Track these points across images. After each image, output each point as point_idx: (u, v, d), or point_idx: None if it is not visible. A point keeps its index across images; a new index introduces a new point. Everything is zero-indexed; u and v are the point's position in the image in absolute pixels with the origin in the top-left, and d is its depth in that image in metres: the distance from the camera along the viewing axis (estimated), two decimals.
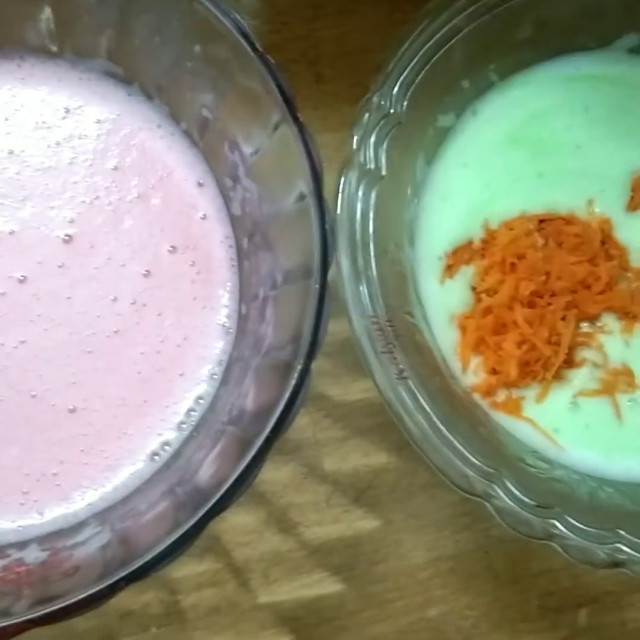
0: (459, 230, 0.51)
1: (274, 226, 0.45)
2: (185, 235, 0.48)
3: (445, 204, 0.51)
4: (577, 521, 0.43)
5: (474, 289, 0.51)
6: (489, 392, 0.49)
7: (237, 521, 0.52)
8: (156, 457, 0.46)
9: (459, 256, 0.51)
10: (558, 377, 0.50)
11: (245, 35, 0.40)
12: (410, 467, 0.53)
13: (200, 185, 0.49)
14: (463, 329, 0.50)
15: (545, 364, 0.50)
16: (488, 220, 0.52)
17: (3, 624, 0.35)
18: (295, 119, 0.40)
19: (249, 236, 0.47)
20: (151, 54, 0.46)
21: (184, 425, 0.46)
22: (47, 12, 0.46)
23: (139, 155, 0.48)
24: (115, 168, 0.48)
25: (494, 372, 0.50)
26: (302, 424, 0.53)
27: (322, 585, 0.52)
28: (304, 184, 0.39)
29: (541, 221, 0.51)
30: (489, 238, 0.51)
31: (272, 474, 0.53)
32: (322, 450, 0.53)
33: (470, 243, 0.51)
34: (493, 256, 0.51)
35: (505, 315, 0.50)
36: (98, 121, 0.48)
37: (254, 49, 0.40)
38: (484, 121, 0.52)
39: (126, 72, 0.48)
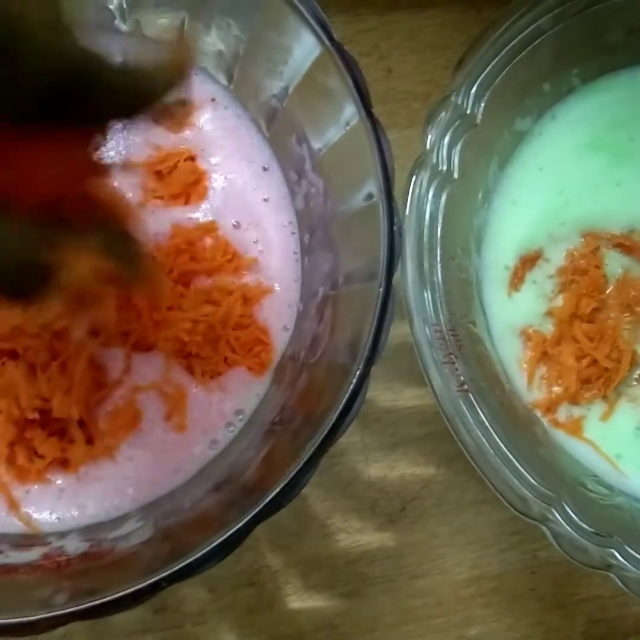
0: (528, 238, 0.50)
1: (338, 224, 0.43)
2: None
3: (516, 208, 0.50)
4: (637, 552, 0.41)
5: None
6: (550, 408, 0.48)
7: (279, 522, 0.51)
8: (202, 454, 0.44)
9: (526, 268, 0.49)
10: (625, 395, 0.48)
11: (322, 24, 0.39)
12: (459, 481, 0.52)
13: (265, 170, 0.47)
14: (528, 340, 0.48)
15: (607, 381, 0.48)
16: (558, 229, 0.50)
17: (42, 616, 0.34)
18: (370, 115, 0.38)
19: (311, 232, 0.46)
20: (224, 39, 0.45)
21: (232, 423, 0.45)
22: None
23: (202, 133, 0.47)
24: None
25: (556, 385, 0.48)
26: (351, 427, 0.52)
27: (361, 595, 0.51)
28: (373, 183, 0.38)
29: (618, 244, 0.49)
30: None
31: (317, 476, 0.51)
32: (369, 455, 0.52)
33: (537, 254, 0.49)
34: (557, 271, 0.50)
35: (566, 331, 0.48)
36: None
37: (331, 39, 0.39)
38: (563, 126, 0.50)
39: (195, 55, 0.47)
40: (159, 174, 0.46)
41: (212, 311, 0.43)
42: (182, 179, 0.46)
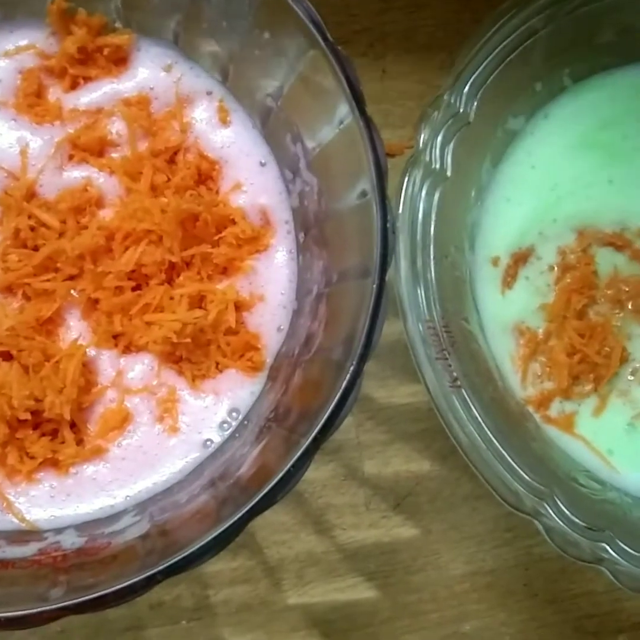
0: (520, 235, 0.50)
1: (332, 222, 0.44)
2: None
3: (509, 206, 0.50)
4: (629, 546, 0.42)
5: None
6: (542, 404, 0.48)
7: (274, 519, 0.52)
8: (197, 453, 0.44)
9: (519, 265, 0.49)
10: (617, 391, 0.49)
11: (316, 25, 0.40)
12: (453, 477, 0.52)
13: (262, 165, 0.47)
14: (521, 336, 0.49)
15: (597, 377, 0.49)
16: (550, 226, 0.50)
17: (38, 610, 0.34)
18: (363, 114, 0.39)
19: (305, 230, 0.46)
20: (218, 39, 0.45)
21: (226, 422, 0.45)
22: None
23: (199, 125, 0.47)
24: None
25: (548, 380, 0.48)
26: (346, 424, 0.52)
27: (356, 591, 0.52)
28: (367, 181, 0.38)
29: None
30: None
31: (312, 473, 0.52)
32: (363, 452, 0.53)
33: (529, 252, 0.50)
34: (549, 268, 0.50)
35: (557, 327, 0.49)
36: (152, 88, 0.47)
37: (326, 39, 0.39)
38: (556, 124, 0.50)
39: (190, 55, 0.47)
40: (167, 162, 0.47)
41: (201, 315, 0.44)
42: (192, 170, 0.46)
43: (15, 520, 0.43)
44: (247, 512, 0.36)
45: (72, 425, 0.44)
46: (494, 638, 0.52)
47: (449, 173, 0.45)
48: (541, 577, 0.53)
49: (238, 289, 0.46)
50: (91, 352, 0.45)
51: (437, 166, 0.44)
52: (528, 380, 0.49)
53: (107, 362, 0.45)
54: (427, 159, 0.44)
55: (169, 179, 0.46)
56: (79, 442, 0.44)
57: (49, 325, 0.45)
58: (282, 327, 0.46)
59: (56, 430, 0.44)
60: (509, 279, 0.49)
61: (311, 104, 0.43)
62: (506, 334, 0.49)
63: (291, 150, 0.45)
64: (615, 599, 0.52)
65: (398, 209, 0.44)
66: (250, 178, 0.47)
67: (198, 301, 0.45)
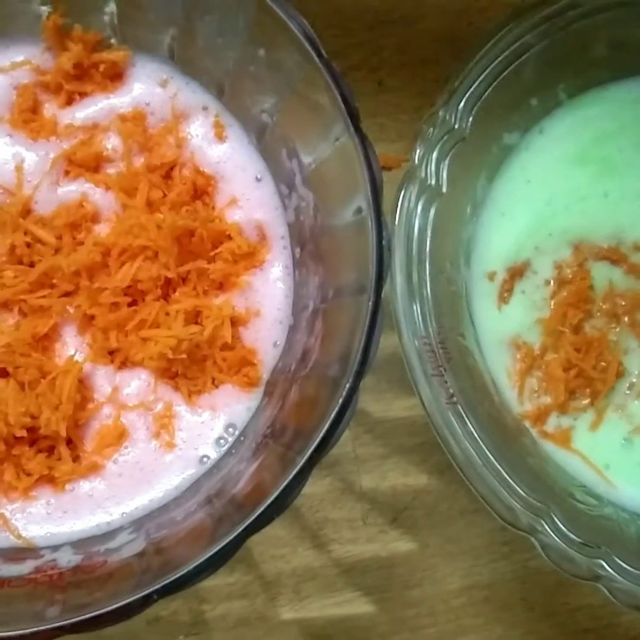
0: (516, 250, 0.50)
1: (327, 238, 0.44)
2: None
3: (504, 220, 0.50)
4: (625, 562, 0.42)
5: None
6: (539, 419, 0.48)
7: (271, 533, 0.52)
8: (194, 470, 0.44)
9: (515, 279, 0.49)
10: (614, 406, 0.49)
11: (311, 41, 0.40)
12: (450, 491, 0.52)
13: (258, 180, 0.47)
14: (518, 350, 0.49)
15: (594, 391, 0.49)
16: (546, 240, 0.50)
17: (35, 629, 0.34)
18: (358, 131, 0.39)
19: (301, 245, 0.47)
20: (214, 55, 0.45)
21: (223, 438, 0.45)
22: (111, 7, 0.46)
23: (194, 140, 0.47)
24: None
25: (544, 395, 0.48)
26: (343, 438, 0.52)
27: (353, 605, 0.52)
28: (362, 198, 0.38)
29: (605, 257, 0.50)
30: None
31: (309, 487, 0.51)
32: (361, 466, 0.53)
33: (524, 266, 0.50)
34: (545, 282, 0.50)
35: (554, 342, 0.49)
36: (147, 104, 0.47)
37: (320, 56, 0.39)
38: (551, 139, 0.50)
39: (186, 71, 0.48)
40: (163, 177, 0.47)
41: (197, 330, 0.44)
42: (188, 185, 0.46)
43: (12, 538, 0.43)
44: (244, 530, 0.36)
45: (68, 442, 0.44)
46: None
47: (444, 189, 0.45)
48: (538, 591, 0.52)
49: (234, 305, 0.46)
50: (87, 368, 0.45)
51: (433, 182, 0.45)
52: (524, 395, 0.49)
53: (103, 378, 0.45)
54: (423, 175, 0.44)
55: (164, 195, 0.46)
56: (75, 458, 0.44)
57: (45, 341, 0.45)
58: (278, 343, 0.46)
59: (52, 446, 0.44)
60: (505, 293, 0.49)
61: (307, 119, 0.43)
62: (502, 348, 0.49)
63: (287, 166, 0.45)
64: (613, 613, 0.52)
65: (394, 225, 0.44)
66: (246, 193, 0.47)
67: (194, 317, 0.45)
